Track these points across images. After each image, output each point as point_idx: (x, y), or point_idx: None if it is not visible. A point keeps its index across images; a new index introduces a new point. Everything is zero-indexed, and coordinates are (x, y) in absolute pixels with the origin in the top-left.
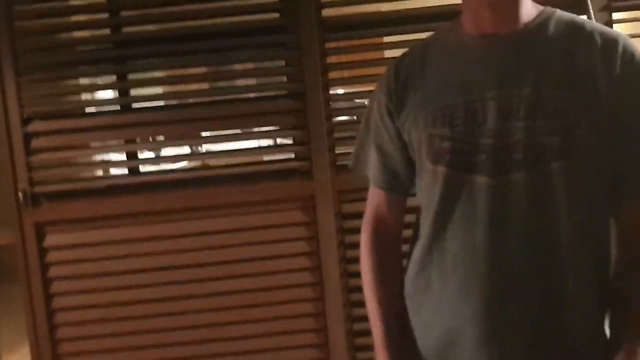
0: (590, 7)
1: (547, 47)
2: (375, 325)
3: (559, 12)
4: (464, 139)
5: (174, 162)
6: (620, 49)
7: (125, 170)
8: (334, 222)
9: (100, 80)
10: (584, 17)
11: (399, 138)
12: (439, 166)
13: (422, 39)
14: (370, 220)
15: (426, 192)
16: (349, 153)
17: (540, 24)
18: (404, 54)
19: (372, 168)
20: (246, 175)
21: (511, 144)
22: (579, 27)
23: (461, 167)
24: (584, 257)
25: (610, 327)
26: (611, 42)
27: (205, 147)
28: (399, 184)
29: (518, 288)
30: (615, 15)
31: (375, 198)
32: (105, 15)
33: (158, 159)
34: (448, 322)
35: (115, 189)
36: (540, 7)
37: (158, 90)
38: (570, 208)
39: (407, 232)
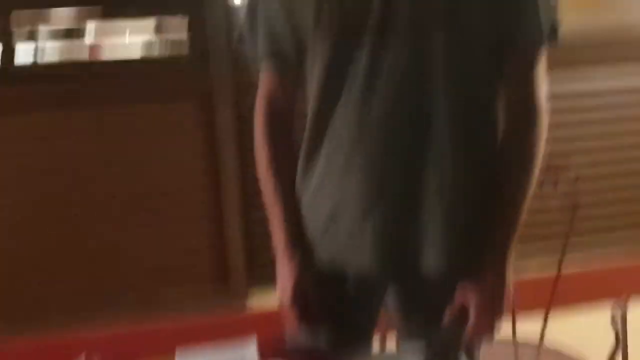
0: None
1: None
2: (273, 209)
3: None
4: (351, 6)
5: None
6: None
7: None
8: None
9: None
10: None
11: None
12: (326, 39)
13: None
14: (263, 104)
15: (314, 72)
16: None
17: None
18: None
19: (260, 46)
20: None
21: (396, 12)
22: None
23: (347, 37)
24: (469, 133)
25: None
26: None
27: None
28: (290, 66)
29: (400, 160)
30: None
31: (266, 79)
32: None
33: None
34: (332, 198)
35: None
36: None
37: None
38: (450, 77)
39: None
